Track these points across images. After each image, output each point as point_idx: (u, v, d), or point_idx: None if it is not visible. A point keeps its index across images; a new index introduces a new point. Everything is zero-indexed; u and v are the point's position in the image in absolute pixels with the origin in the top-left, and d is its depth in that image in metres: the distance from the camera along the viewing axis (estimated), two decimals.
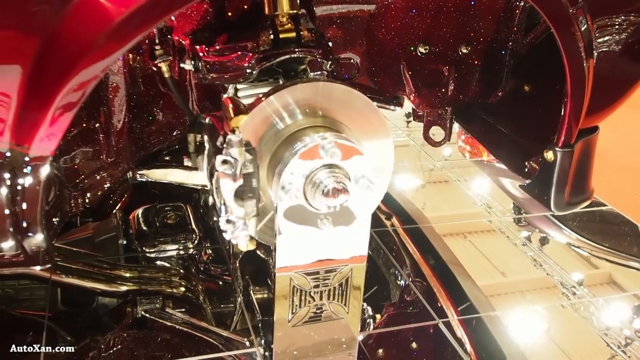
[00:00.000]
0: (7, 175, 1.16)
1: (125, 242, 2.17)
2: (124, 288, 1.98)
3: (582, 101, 1.41)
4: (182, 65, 1.53)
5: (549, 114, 1.54)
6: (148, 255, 2.14)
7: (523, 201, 3.04)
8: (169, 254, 2.15)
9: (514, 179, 2.93)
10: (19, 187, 1.18)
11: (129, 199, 2.33)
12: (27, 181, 1.18)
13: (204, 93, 1.65)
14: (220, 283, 2.16)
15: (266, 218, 1.34)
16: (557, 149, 1.51)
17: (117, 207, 2.28)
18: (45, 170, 1.18)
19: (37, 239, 1.22)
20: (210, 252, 2.20)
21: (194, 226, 2.23)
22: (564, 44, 1.36)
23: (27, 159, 1.16)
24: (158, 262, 2.13)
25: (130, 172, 1.68)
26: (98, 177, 1.55)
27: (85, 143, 1.53)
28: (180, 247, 2.17)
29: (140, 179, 1.70)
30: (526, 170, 1.63)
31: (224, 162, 1.22)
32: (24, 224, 1.20)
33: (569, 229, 2.65)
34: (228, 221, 1.28)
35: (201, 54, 1.46)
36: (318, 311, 1.40)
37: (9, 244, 1.21)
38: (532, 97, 1.68)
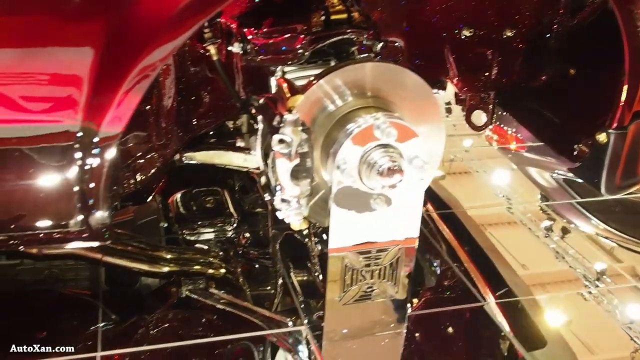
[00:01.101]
0: (78, 155, 1.20)
1: (166, 225, 2.20)
2: (165, 269, 2.02)
3: (638, 81, 1.41)
4: (229, 48, 1.56)
5: (596, 97, 1.55)
6: (188, 238, 2.17)
7: (550, 190, 3.04)
8: (208, 237, 2.19)
9: (543, 168, 2.94)
10: (88, 167, 1.21)
11: (165, 183, 2.36)
12: (96, 161, 1.22)
13: (250, 76, 1.67)
14: (259, 266, 2.18)
15: (317, 196, 1.36)
16: (610, 131, 1.51)
17: (155, 191, 2.32)
18: (112, 150, 1.21)
19: (103, 215, 1.25)
20: (249, 235, 2.23)
21: (231, 210, 2.26)
22: (625, 23, 1.35)
23: (96, 139, 1.20)
24: (198, 245, 2.16)
25: (179, 154, 1.71)
26: (148, 159, 1.58)
27: (136, 125, 1.56)
28: (219, 231, 2.20)
29: (187, 162, 1.73)
30: (575, 153, 1.63)
31: (281, 141, 1.25)
32: (91, 202, 1.24)
33: (596, 219, 2.66)
34: (283, 200, 1.30)
35: (250, 37, 1.48)
36: (368, 290, 1.43)
37: (76, 221, 1.25)
38: (578, 81, 1.68)
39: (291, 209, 1.31)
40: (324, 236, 1.79)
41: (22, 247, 1.30)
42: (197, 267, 2.04)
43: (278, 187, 1.29)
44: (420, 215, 1.40)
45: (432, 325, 1.76)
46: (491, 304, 1.88)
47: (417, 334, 1.64)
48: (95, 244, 1.30)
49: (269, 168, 1.36)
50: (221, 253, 2.13)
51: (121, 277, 2.06)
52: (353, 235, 1.36)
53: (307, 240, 1.92)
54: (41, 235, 1.29)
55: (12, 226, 1.27)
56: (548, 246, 3.24)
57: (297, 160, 1.28)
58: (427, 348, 1.66)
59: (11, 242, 1.30)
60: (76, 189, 1.23)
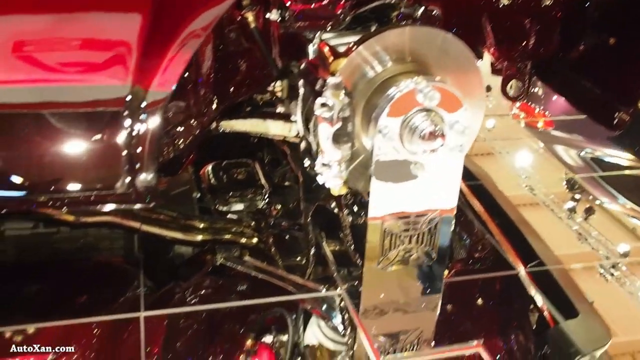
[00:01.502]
0: (126, 119, 1.23)
1: (198, 195, 2.23)
2: (199, 238, 2.05)
3: None
4: (267, 15, 1.57)
5: (637, 66, 1.54)
6: (220, 209, 2.20)
7: (577, 169, 3.03)
8: (239, 208, 2.22)
9: (571, 146, 2.93)
10: (135, 130, 1.24)
11: (196, 155, 2.39)
12: (143, 125, 1.24)
13: (287, 44, 1.68)
14: (290, 237, 2.21)
15: (357, 161, 1.37)
16: None
17: (187, 163, 2.35)
18: (159, 115, 1.24)
19: (149, 178, 1.28)
20: (280, 207, 2.25)
21: (263, 181, 2.28)
22: None
23: (144, 103, 1.22)
24: (230, 215, 2.18)
25: (215, 123, 1.73)
26: (186, 127, 1.60)
27: (176, 92, 1.58)
28: (250, 202, 2.23)
29: (223, 130, 1.75)
30: (615, 122, 1.63)
31: (323, 105, 1.26)
32: (138, 165, 1.26)
33: (623, 197, 2.64)
34: (323, 164, 1.32)
35: (288, 3, 1.49)
36: (406, 255, 1.44)
37: (122, 183, 1.27)
38: (618, 50, 1.67)
39: (331, 173, 1.33)
40: (355, 208, 1.81)
41: (68, 208, 1.32)
42: (229, 236, 2.07)
43: (319, 152, 1.31)
44: (460, 181, 1.41)
45: (466, 293, 1.78)
46: (523, 273, 1.89)
47: (452, 301, 1.66)
48: (139, 206, 1.32)
49: (310, 133, 1.37)
50: (253, 223, 2.15)
51: (155, 246, 2.09)
52: (392, 202, 1.37)
53: (339, 210, 1.94)
54: (88, 197, 1.31)
55: (60, 188, 1.30)
56: (571, 228, 3.23)
57: (338, 125, 1.29)
58: (462, 314, 1.68)
59: (58, 203, 1.33)
60: (124, 152, 1.25)
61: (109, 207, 1.34)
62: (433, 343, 1.50)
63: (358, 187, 1.40)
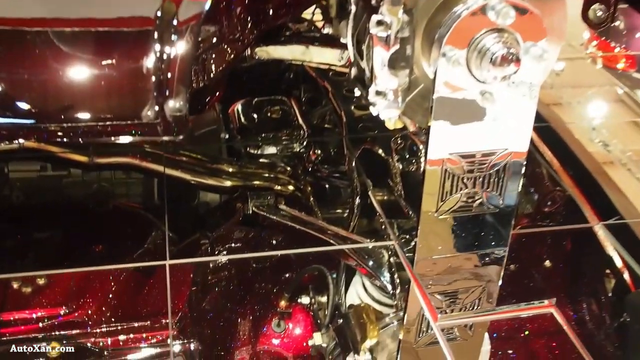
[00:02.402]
0: (155, 37, 1.24)
1: (227, 136, 2.25)
2: (228, 183, 2.08)
3: None
4: None
5: None
6: (251, 152, 2.22)
7: None
8: (273, 151, 2.22)
9: None
10: (166, 54, 1.25)
11: (224, 91, 2.40)
12: (175, 47, 1.26)
13: None
14: (332, 185, 2.23)
15: (415, 91, 1.37)
16: None
17: (213, 99, 2.36)
18: (192, 35, 1.25)
19: (177, 106, 1.29)
20: (319, 151, 2.26)
21: (300, 122, 2.29)
22: None
23: (175, 22, 1.23)
24: (263, 159, 2.20)
25: (249, 49, 1.74)
26: (218, 51, 1.60)
27: (207, 12, 1.58)
28: (286, 145, 2.24)
29: (260, 57, 1.75)
30: None
31: (379, 23, 1.25)
32: (167, 92, 1.28)
33: None
34: (378, 92, 1.32)
35: None
36: (469, 200, 1.44)
37: (149, 112, 1.29)
38: None
39: (386, 103, 1.33)
40: (408, 151, 1.81)
41: (83, 139, 1.35)
42: (262, 182, 2.09)
43: (373, 77, 1.31)
44: (534, 116, 1.40)
45: (535, 247, 1.78)
46: (600, 228, 1.89)
47: (519, 256, 1.66)
48: (166, 138, 1.34)
49: (363, 57, 1.37)
50: (289, 169, 2.17)
51: (179, 192, 2.12)
52: (455, 139, 1.37)
53: (388, 155, 1.94)
54: (107, 127, 1.33)
55: (76, 115, 1.32)
56: None
57: (396, 47, 1.28)
58: (530, 271, 1.69)
59: (71, 133, 1.35)
60: (153, 78, 1.27)
61: (131, 139, 1.36)
62: (497, 302, 1.50)
63: (417, 120, 1.39)
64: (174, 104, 1.31)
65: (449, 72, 1.30)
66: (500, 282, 1.53)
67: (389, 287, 1.66)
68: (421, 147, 1.84)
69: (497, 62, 1.26)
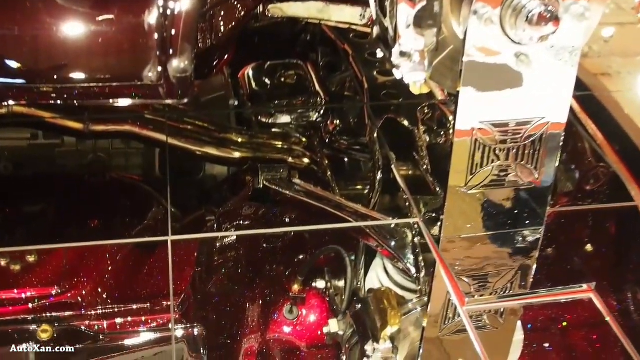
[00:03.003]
0: None
1: (236, 103, 2.27)
2: (237, 154, 2.10)
3: None
4: None
5: None
6: (262, 120, 2.23)
7: None
8: (287, 120, 2.24)
9: None
10: (170, 8, 1.27)
11: (233, 53, 2.42)
12: (180, 0, 1.27)
13: None
14: (352, 158, 2.24)
15: (444, 53, 1.38)
16: None
17: (222, 62, 2.38)
18: None
19: (182, 66, 1.31)
20: (338, 121, 2.27)
21: (317, 88, 2.30)
22: None
23: None
24: (276, 129, 2.22)
25: (262, 6, 1.75)
26: (228, 7, 1.62)
27: None
28: (301, 113, 2.25)
29: (273, 15, 1.77)
30: None
31: None
32: (171, 50, 1.30)
33: None
34: (402, 54, 1.33)
35: None
36: (502, 174, 1.46)
37: (153, 72, 1.31)
38: None
39: (411, 65, 1.34)
40: (435, 126, 1.82)
41: (79, 101, 1.37)
42: (274, 154, 2.11)
43: (397, 38, 1.32)
44: (574, 83, 1.41)
45: (573, 227, 1.79)
46: None
47: (556, 236, 1.67)
48: (169, 101, 1.37)
49: (386, 14, 1.38)
50: (304, 140, 2.18)
51: (182, 164, 2.14)
52: (487, 106, 1.38)
53: (413, 126, 1.96)
54: (105, 88, 1.36)
55: (71, 75, 1.34)
56: None
57: (422, 3, 1.29)
58: (568, 253, 1.69)
59: (65, 95, 1.38)
60: (156, 36, 1.29)
61: (131, 102, 1.38)
62: (530, 285, 1.52)
63: (445, 85, 1.41)
64: (178, 64, 1.33)
65: (480, 32, 1.31)
66: (534, 266, 1.54)
67: (413, 270, 1.67)
68: (450, 117, 1.86)
69: (534, 20, 1.27)
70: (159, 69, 1.31)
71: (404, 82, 1.43)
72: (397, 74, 1.35)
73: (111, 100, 1.39)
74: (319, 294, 1.91)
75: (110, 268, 1.76)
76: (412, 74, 1.35)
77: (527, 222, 1.52)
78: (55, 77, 1.35)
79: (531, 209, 1.52)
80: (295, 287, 1.91)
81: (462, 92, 1.36)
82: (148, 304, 1.74)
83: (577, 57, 1.37)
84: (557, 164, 1.48)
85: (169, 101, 1.39)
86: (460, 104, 1.38)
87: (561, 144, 1.46)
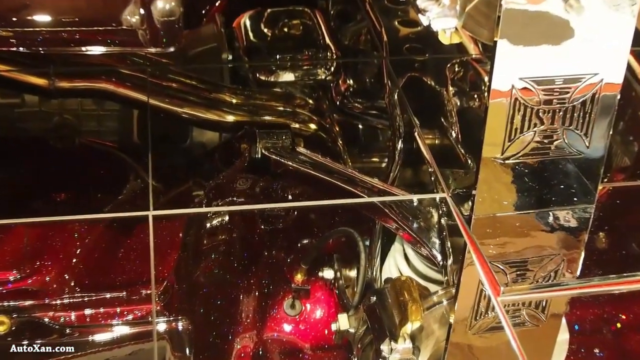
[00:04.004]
0: None
1: (230, 57, 2.26)
2: (230, 118, 2.10)
3: None
4: None
5: None
6: (262, 78, 2.23)
7: None
8: (291, 78, 2.24)
9: None
10: None
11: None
12: None
13: None
14: (367, 124, 2.24)
15: None
16: None
17: (213, 9, 2.38)
18: None
19: (170, 7, 1.32)
20: (351, 80, 2.27)
21: (327, 41, 2.30)
22: None
23: None
24: (277, 89, 2.22)
25: None
26: None
27: None
28: (308, 70, 2.24)
29: None
30: None
31: None
32: None
33: None
34: None
35: None
36: (546, 141, 1.46)
37: (132, 14, 1.32)
38: None
39: (440, 10, 1.35)
40: (467, 86, 1.83)
41: (44, 48, 1.38)
42: (275, 118, 2.11)
43: None
44: (632, 33, 1.42)
45: (631, 206, 1.79)
46: None
47: (609, 215, 1.67)
48: (153, 50, 1.38)
49: None
50: (310, 101, 2.18)
51: (166, 129, 2.15)
52: (530, 60, 1.38)
53: (440, 87, 1.96)
54: (75, 33, 1.36)
55: (37, 17, 1.35)
56: None
57: None
58: (623, 235, 1.69)
59: (27, 41, 1.38)
60: None
61: (106, 50, 1.39)
62: (579, 274, 1.52)
63: (478, 35, 1.41)
64: (163, 5, 1.34)
65: None
66: (583, 251, 1.55)
67: (438, 256, 1.68)
68: (485, 76, 1.86)
69: None
70: (141, 10, 1.32)
71: (431, 31, 1.43)
72: (423, 20, 1.36)
73: (83, 48, 1.39)
74: (327, 285, 1.91)
75: (79, 249, 1.77)
76: (441, 19, 1.35)
77: (575, 199, 1.53)
78: (15, 19, 1.35)
79: (580, 183, 1.52)
80: (299, 277, 1.90)
81: (499, 44, 1.37)
82: (124, 293, 1.74)
83: (638, 5, 1.37)
84: (610, 130, 1.49)
85: (152, 49, 1.39)
86: (498, 57, 1.38)
87: (616, 107, 1.47)
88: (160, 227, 1.79)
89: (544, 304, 1.55)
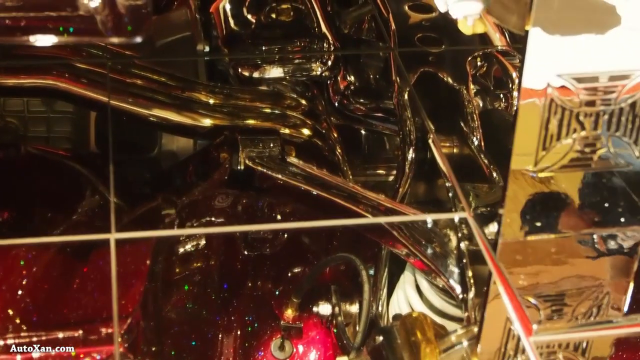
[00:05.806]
0: None
1: (207, 49, 2.27)
2: (207, 122, 2.10)
3: None
4: None
5: None
6: (244, 74, 2.24)
7: None
8: (279, 74, 2.24)
9: None
10: None
11: None
12: None
13: None
14: (371, 130, 2.25)
15: None
16: None
17: None
18: None
19: None
20: (353, 77, 2.27)
21: (324, 29, 2.30)
22: None
23: None
24: (263, 87, 2.22)
25: None
26: None
27: None
28: (301, 65, 2.25)
29: None
30: None
31: None
32: None
33: None
34: None
35: None
36: (587, 150, 1.47)
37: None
38: None
39: None
40: (492, 84, 1.84)
41: None
42: (261, 121, 2.12)
43: None
44: None
45: None
46: None
47: None
48: (116, 40, 1.38)
49: None
50: (303, 102, 2.19)
51: (130, 136, 2.15)
52: (567, 56, 1.39)
53: (459, 85, 1.97)
54: (21, 20, 1.37)
55: None
56: None
57: None
58: None
59: None
60: None
61: (58, 40, 1.39)
62: (627, 309, 1.52)
63: (506, 23, 1.42)
64: None
65: None
66: (632, 282, 1.56)
67: (457, 288, 1.68)
68: (514, 73, 1.87)
69: None
70: None
71: (450, 18, 1.44)
72: (440, 5, 1.36)
73: (31, 38, 1.39)
74: (323, 322, 1.92)
75: (25, 280, 1.76)
76: (463, 4, 1.36)
77: (622, 219, 1.53)
78: None
79: (628, 200, 1.53)
80: (289, 313, 1.91)
81: (532, 33, 1.37)
82: (80, 332, 1.74)
83: None
84: None
85: (114, 39, 1.39)
86: (530, 49, 1.38)
87: None
88: (123, 252, 1.78)
89: (584, 346, 1.55)
